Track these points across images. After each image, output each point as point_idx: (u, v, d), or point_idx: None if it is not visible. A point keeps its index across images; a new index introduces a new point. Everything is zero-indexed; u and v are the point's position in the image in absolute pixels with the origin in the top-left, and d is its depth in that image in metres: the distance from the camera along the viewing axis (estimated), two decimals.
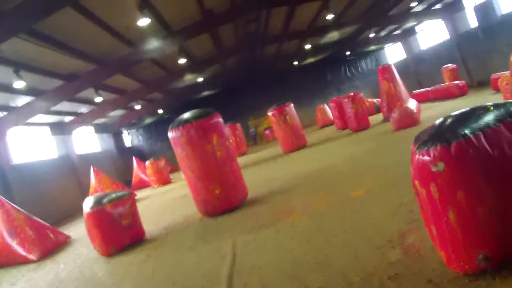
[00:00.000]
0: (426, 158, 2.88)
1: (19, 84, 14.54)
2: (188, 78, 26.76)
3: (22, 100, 17.69)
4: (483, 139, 2.71)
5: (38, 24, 11.77)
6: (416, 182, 3.08)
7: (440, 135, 2.89)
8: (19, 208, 10.55)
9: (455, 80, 23.05)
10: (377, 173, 7.52)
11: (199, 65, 24.90)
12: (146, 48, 17.57)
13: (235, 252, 5.41)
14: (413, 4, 23.48)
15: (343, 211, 5.80)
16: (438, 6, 27.05)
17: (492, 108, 2.93)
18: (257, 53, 26.67)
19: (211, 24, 17.97)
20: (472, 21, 26.28)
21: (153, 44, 17.40)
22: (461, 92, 21.07)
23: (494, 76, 18.31)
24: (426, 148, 2.90)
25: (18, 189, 17.08)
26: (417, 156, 2.99)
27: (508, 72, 13.64)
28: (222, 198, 8.17)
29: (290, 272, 4.17)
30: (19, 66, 14.11)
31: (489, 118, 2.81)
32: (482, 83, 23.69)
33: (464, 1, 26.74)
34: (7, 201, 10.45)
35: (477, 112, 2.97)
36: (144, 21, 13.53)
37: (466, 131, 2.75)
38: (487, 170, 2.71)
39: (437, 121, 3.15)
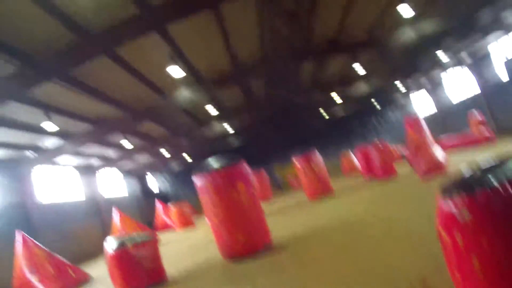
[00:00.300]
0: (452, 206, 2.86)
1: (49, 126, 14.95)
2: (216, 126, 27.10)
3: (51, 142, 18.09)
4: (509, 188, 2.68)
5: (73, 71, 12.21)
6: (441, 230, 3.05)
7: (465, 184, 2.87)
8: (40, 245, 10.67)
9: (482, 128, 22.88)
10: (402, 221, 7.40)
11: (228, 114, 25.24)
12: (176, 96, 17.94)
13: None
14: (441, 57, 23.63)
15: (366, 258, 5.71)
16: (466, 59, 27.17)
17: None
18: (286, 103, 26.96)
19: (241, 75, 18.31)
20: (501, 72, 26.33)
21: (184, 93, 17.75)
22: (488, 140, 20.88)
23: None
24: (451, 196, 2.88)
25: (43, 228, 17.35)
26: (442, 204, 2.98)
27: None
28: (246, 243, 8.13)
29: None
30: (50, 109, 14.54)
31: None
32: (509, 131, 23.48)
33: (493, 54, 26.93)
34: (29, 238, 10.60)
35: (503, 161, 2.96)
36: (176, 71, 13.86)
37: (492, 180, 2.73)
38: None
39: (463, 170, 3.14)
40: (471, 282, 2.84)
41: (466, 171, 3.09)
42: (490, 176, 2.79)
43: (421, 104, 39.89)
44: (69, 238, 19.29)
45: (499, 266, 2.69)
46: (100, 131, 18.91)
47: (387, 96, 37.15)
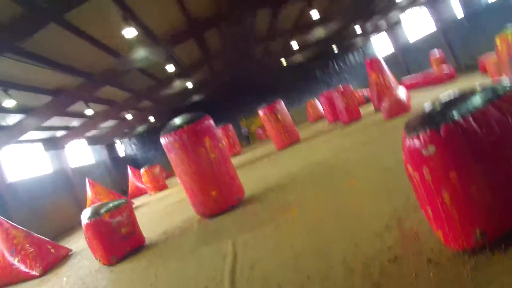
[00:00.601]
0: (417, 142, 2.92)
1: (8, 103, 14.57)
2: (177, 84, 26.67)
3: (13, 119, 17.60)
4: (472, 121, 2.74)
5: (24, 43, 11.74)
6: (409, 166, 3.12)
7: (429, 119, 2.93)
8: (17, 225, 10.52)
9: (443, 66, 23.13)
10: (370, 163, 7.55)
11: (187, 71, 24.84)
12: (133, 57, 17.50)
13: (236, 250, 5.42)
14: None
15: (339, 202, 5.83)
16: None
17: (479, 90, 2.96)
18: (244, 55, 26.66)
19: (197, 30, 17.94)
20: (457, 9, 26.47)
21: (140, 54, 17.32)
22: (449, 77, 21.19)
23: (481, 59, 18.46)
24: (416, 132, 2.94)
25: (15, 206, 17.03)
26: (408, 141, 3.03)
27: (495, 54, 13.74)
28: (219, 199, 8.19)
29: (292, 264, 4.20)
30: (7, 85, 14.08)
31: (477, 100, 2.85)
32: (470, 67, 23.86)
33: None
34: (5, 219, 10.41)
35: (465, 95, 3.01)
36: (129, 31, 13.46)
37: (455, 114, 2.79)
38: (478, 149, 2.74)
39: (426, 106, 3.19)
40: (443, 215, 2.93)
41: (428, 107, 3.14)
42: (453, 110, 2.84)
43: (382, 46, 39.99)
44: (43, 215, 18.95)
45: (468, 198, 2.78)
46: (61, 101, 18.41)
47: (348, 41, 37.07)
